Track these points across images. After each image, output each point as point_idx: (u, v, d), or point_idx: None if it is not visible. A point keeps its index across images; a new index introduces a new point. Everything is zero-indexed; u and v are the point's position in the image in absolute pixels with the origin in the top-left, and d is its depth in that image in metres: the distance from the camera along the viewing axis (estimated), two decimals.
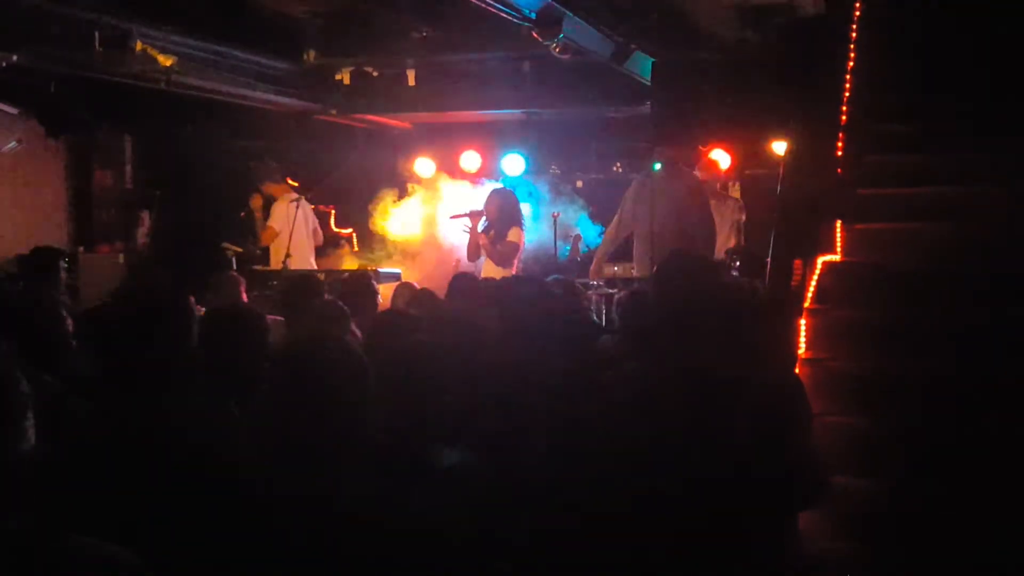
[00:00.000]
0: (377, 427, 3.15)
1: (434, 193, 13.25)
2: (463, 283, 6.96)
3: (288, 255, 10.82)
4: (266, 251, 11.50)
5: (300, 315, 6.02)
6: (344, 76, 11.88)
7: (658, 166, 9.46)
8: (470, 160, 13.22)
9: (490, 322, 5.20)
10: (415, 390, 3.48)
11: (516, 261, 10.11)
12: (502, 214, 10.11)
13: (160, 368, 3.47)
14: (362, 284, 7.20)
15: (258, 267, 11.02)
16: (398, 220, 13.15)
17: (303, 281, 7.16)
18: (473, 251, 10.20)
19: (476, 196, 11.05)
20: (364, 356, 3.02)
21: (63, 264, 7.99)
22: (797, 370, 5.91)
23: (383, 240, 12.98)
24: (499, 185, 11.02)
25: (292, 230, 10.91)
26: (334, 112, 12.86)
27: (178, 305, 3.70)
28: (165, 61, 9.43)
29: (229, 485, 2.96)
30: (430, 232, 12.93)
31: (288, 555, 2.63)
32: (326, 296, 6.85)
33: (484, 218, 10.18)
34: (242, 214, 11.88)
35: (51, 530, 1.98)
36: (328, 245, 12.47)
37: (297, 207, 11.03)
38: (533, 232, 11.61)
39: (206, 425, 3.38)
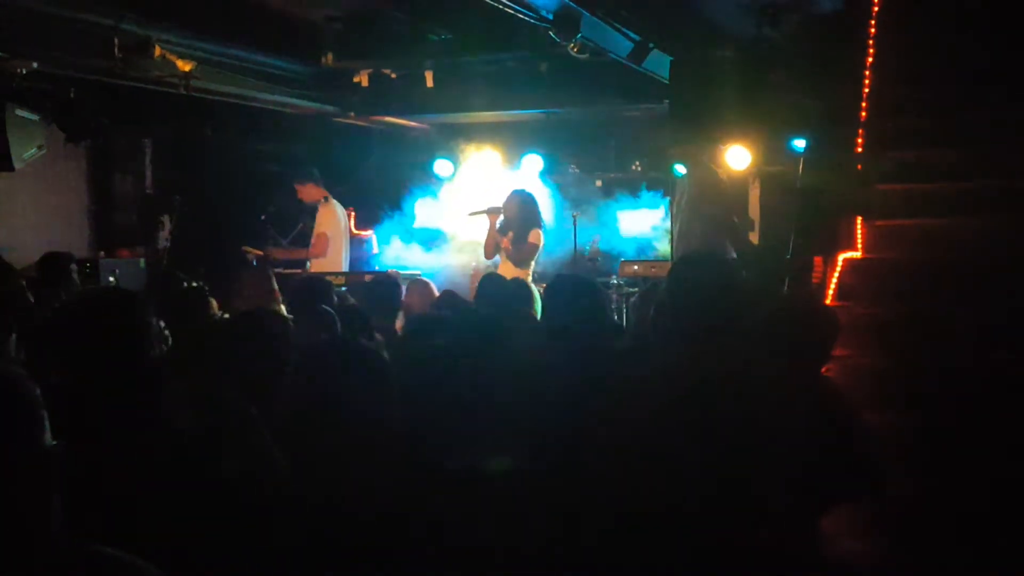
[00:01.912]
0: (400, 431, 3.14)
1: (454, 194, 13.27)
2: (492, 285, 6.95)
3: (322, 255, 10.90)
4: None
5: (309, 318, 6.02)
6: (362, 78, 11.88)
7: (679, 169, 9.46)
8: (489, 161, 13.23)
9: (520, 324, 5.20)
10: (440, 394, 3.47)
11: (533, 263, 10.14)
12: (522, 216, 10.12)
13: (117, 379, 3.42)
14: (386, 287, 7.19)
15: (281, 270, 11.05)
16: (417, 221, 13.18)
17: (313, 284, 7.13)
18: (491, 249, 10.22)
19: (496, 197, 11.04)
20: (384, 359, 3.00)
21: (74, 267, 8.00)
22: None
23: (403, 241, 13.01)
24: (520, 187, 10.99)
25: (328, 231, 11.00)
26: (352, 114, 12.89)
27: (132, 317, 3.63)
28: (184, 66, 9.46)
29: (243, 491, 2.96)
30: (450, 233, 12.96)
31: (304, 558, 2.62)
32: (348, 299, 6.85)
33: (502, 216, 10.20)
34: (262, 217, 11.91)
35: (74, 540, 1.99)
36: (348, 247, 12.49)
37: (335, 209, 11.11)
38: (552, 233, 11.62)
39: (206, 430, 3.33)
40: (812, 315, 4.49)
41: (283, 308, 6.34)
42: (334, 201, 11.22)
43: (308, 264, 11.02)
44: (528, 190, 10.78)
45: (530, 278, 9.84)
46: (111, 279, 9.42)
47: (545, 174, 13.15)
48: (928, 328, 6.02)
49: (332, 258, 11.10)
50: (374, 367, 2.92)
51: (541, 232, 10.23)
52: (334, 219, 11.12)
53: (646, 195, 13.11)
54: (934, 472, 5.35)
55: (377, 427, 2.88)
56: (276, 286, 7.15)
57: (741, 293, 3.85)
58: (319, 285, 6.90)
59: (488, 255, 10.30)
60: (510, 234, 10.09)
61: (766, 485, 3.15)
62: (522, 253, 10.00)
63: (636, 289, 10.72)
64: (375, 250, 13.06)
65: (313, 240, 11.15)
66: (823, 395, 3.80)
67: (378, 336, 5.90)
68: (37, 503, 1.95)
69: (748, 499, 3.11)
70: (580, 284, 5.35)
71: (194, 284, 8.09)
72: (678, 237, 8.85)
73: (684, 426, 3.27)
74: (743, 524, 3.07)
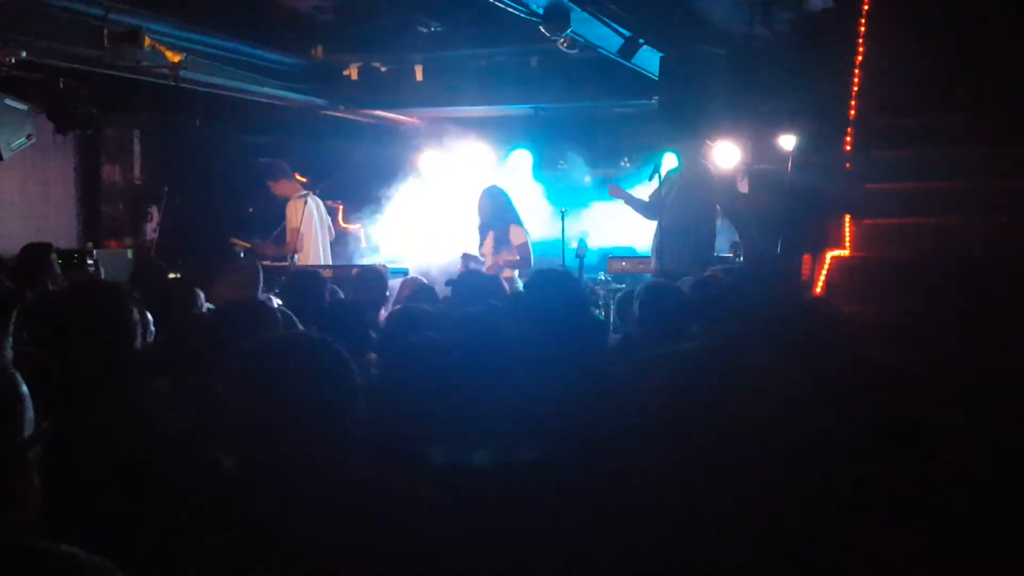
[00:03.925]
0: (380, 425, 3.12)
1: (440, 189, 13.25)
2: (469, 279, 6.94)
3: (296, 251, 10.85)
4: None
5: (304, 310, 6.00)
6: (352, 71, 11.87)
7: (670, 163, 9.45)
8: (477, 155, 13.22)
9: (499, 318, 5.19)
10: (426, 387, 3.46)
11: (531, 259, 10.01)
12: (496, 214, 10.04)
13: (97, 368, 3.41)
14: (372, 279, 7.18)
15: (267, 262, 11.03)
16: (406, 215, 13.15)
17: (308, 277, 7.12)
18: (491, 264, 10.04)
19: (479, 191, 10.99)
20: (343, 352, 2.93)
21: (54, 257, 7.95)
22: None
23: (392, 235, 12.98)
24: (491, 185, 10.89)
25: (300, 226, 10.93)
26: (342, 108, 12.86)
27: (118, 307, 3.63)
28: (173, 57, 9.44)
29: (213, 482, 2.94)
30: (437, 227, 12.94)
31: (273, 552, 2.59)
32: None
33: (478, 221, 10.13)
34: (251, 209, 11.88)
35: (20, 536, 1.95)
36: (336, 241, 12.47)
37: (305, 203, 11.04)
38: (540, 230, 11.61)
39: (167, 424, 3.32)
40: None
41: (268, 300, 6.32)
42: (309, 197, 11.16)
43: (296, 258, 10.98)
44: (497, 185, 10.61)
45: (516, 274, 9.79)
46: (89, 264, 9.36)
47: (533, 169, 13.14)
48: (916, 327, 6.04)
49: (307, 252, 11.07)
50: (325, 358, 2.85)
51: (522, 227, 10.12)
52: (306, 214, 11.06)
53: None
54: (924, 472, 5.35)
55: (339, 418, 2.82)
56: (260, 279, 7.13)
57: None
58: (313, 278, 6.91)
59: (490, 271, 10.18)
60: (491, 235, 10.01)
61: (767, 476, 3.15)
62: (524, 256, 9.90)
63: (623, 285, 10.71)
64: (363, 243, 13.03)
65: (287, 237, 11.11)
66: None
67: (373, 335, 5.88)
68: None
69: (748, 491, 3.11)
70: (559, 276, 5.34)
71: (177, 276, 8.07)
72: (664, 231, 8.80)
73: (671, 422, 3.27)
74: (739, 519, 3.07)
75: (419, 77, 11.74)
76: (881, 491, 4.34)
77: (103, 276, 9.09)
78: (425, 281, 7.97)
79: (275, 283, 8.98)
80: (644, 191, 10.42)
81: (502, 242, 9.92)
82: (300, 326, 5.24)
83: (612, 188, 9.79)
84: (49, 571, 1.93)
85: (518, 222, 10.10)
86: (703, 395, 3.30)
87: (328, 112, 13.00)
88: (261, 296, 6.74)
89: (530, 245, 10.07)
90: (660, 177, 9.49)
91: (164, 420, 3.31)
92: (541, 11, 8.82)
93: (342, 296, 7.58)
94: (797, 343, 4.08)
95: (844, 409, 3.81)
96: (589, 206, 12.97)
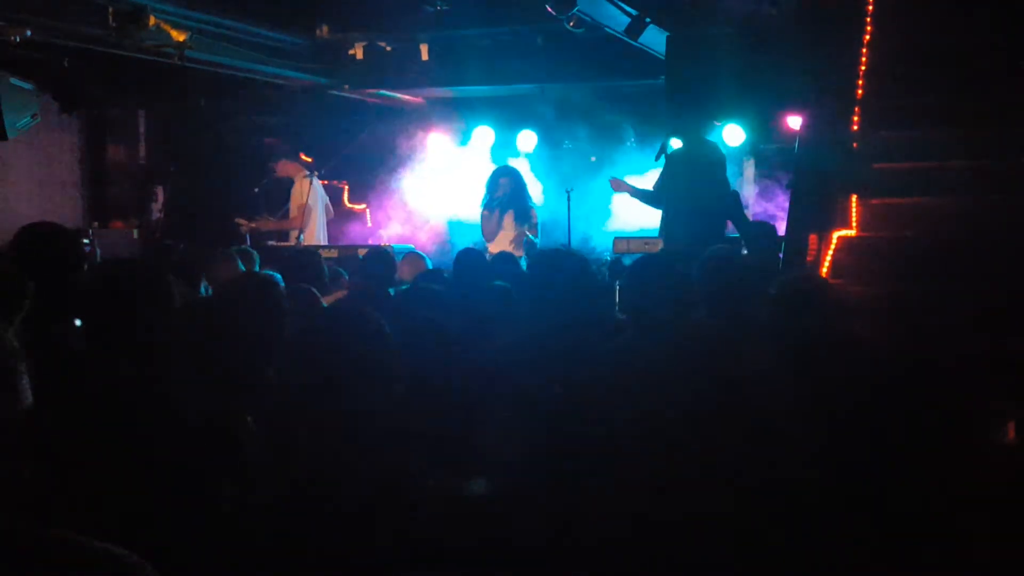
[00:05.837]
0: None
1: (446, 168, 13.24)
2: (470, 259, 6.92)
3: (301, 231, 10.86)
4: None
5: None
6: (357, 51, 11.84)
7: (674, 143, 9.41)
8: (483, 135, 13.19)
9: (499, 300, 5.18)
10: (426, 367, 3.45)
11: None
12: (516, 192, 10.14)
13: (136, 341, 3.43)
14: (379, 260, 7.17)
15: (272, 243, 11.04)
16: (412, 195, 13.14)
17: (303, 256, 7.12)
18: (492, 232, 10.19)
19: (488, 171, 11.00)
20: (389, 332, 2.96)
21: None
22: None
23: (398, 215, 12.98)
24: (505, 165, 10.99)
25: (307, 201, 10.94)
26: (347, 87, 12.83)
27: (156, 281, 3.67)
28: (179, 36, 9.41)
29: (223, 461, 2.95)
30: (441, 207, 12.94)
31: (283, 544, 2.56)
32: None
33: (492, 196, 10.20)
34: (255, 189, 11.87)
35: (42, 528, 1.73)
36: (341, 220, 12.47)
37: (311, 182, 11.04)
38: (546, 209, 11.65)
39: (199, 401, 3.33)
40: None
41: None
42: (313, 176, 11.17)
43: (301, 237, 11.00)
44: (512, 166, 10.78)
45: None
46: (86, 243, 9.36)
47: (539, 149, 13.11)
48: (922, 307, 6.02)
49: (310, 232, 11.09)
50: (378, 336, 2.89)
51: (535, 208, 10.39)
52: (312, 192, 11.08)
53: (640, 170, 13.05)
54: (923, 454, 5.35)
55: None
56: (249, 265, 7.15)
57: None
58: (310, 257, 6.91)
59: (490, 238, 10.26)
60: (510, 213, 10.10)
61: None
62: (530, 229, 10.07)
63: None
64: (369, 224, 13.03)
65: (294, 212, 11.13)
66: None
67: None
68: None
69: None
70: (563, 256, 5.29)
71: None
72: (680, 211, 8.72)
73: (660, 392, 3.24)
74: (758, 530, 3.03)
75: (424, 56, 11.71)
76: (878, 476, 4.35)
77: (98, 257, 9.09)
78: (427, 260, 7.97)
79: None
80: (653, 173, 10.38)
81: (523, 219, 10.06)
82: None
83: (613, 182, 9.81)
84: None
85: (533, 203, 10.43)
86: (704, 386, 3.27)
87: (333, 91, 12.98)
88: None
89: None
90: (664, 158, 9.44)
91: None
92: None
93: (345, 277, 7.58)
94: (796, 325, 4.07)
95: (844, 392, 3.80)
96: (595, 186, 12.94)
